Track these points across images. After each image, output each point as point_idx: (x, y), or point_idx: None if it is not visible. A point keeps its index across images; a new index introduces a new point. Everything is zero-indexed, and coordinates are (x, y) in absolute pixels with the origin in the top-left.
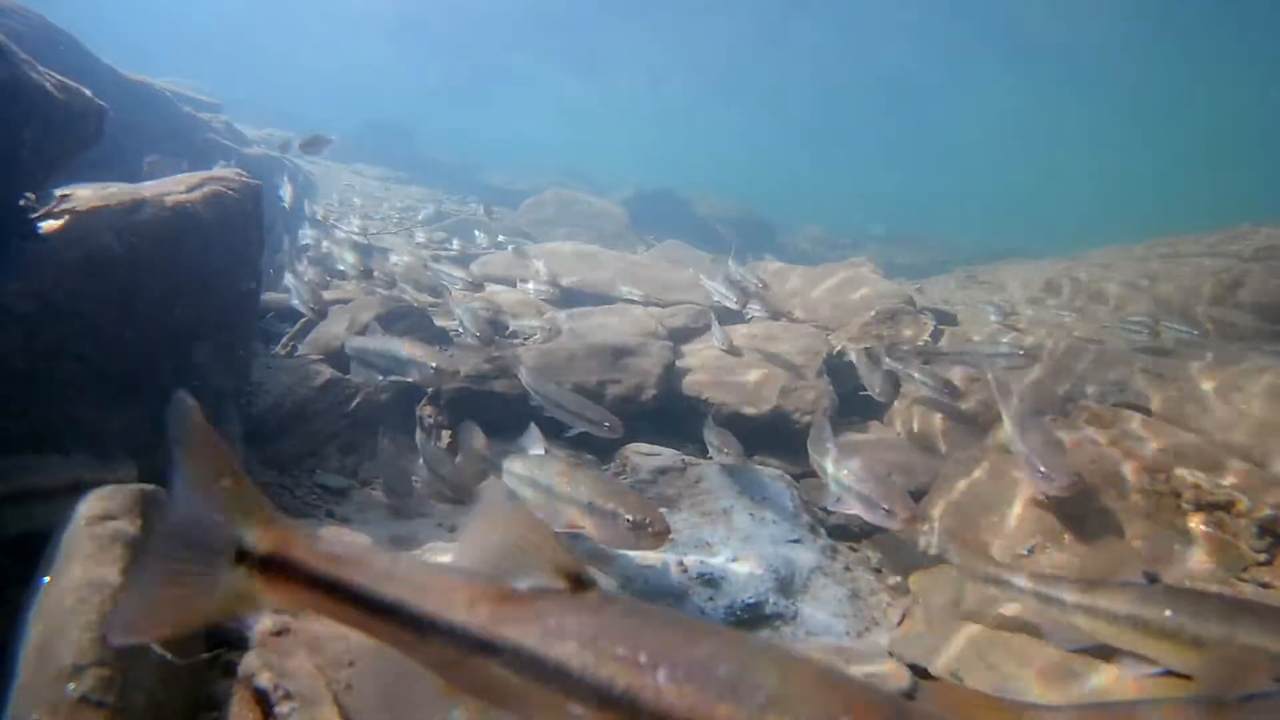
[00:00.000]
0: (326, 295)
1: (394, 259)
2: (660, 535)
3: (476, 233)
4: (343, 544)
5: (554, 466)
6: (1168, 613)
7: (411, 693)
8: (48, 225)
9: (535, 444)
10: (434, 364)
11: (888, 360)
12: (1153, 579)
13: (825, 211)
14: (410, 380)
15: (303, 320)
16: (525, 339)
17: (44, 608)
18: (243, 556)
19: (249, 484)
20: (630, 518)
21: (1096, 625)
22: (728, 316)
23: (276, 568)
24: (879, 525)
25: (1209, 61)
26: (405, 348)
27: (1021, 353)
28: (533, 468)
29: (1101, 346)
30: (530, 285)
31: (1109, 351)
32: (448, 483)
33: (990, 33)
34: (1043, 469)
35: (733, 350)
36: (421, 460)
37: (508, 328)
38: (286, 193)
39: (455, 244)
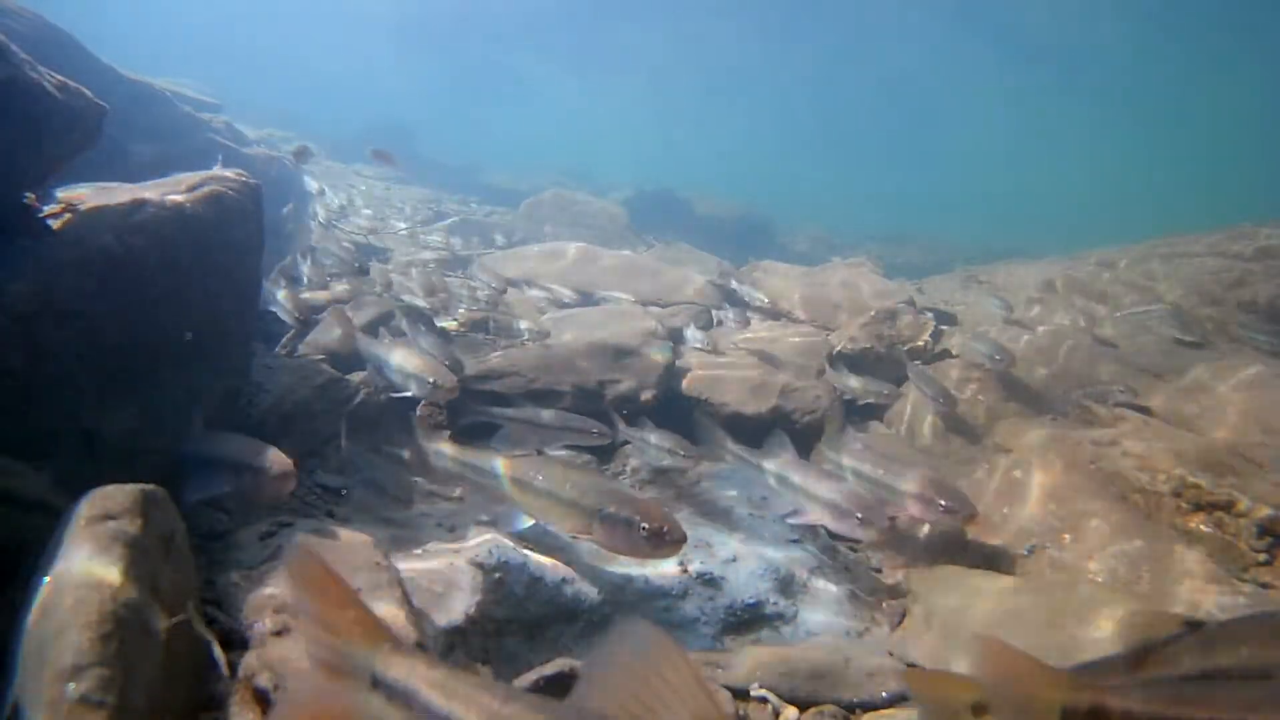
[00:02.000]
0: (326, 296)
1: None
2: (677, 544)
3: (496, 235)
4: (459, 677)
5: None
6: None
7: None
8: (54, 224)
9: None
10: (432, 379)
11: (910, 370)
12: (1194, 625)
13: (825, 212)
14: (408, 394)
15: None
16: (521, 341)
17: (44, 608)
18: (376, 683)
19: (371, 614)
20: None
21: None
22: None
23: (402, 698)
24: (850, 537)
25: (1209, 61)
26: (404, 359)
27: (998, 358)
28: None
29: (1101, 347)
30: (537, 291)
31: (1109, 352)
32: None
33: (991, 34)
34: (943, 501)
35: (715, 351)
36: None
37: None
38: (313, 188)
39: (435, 239)
